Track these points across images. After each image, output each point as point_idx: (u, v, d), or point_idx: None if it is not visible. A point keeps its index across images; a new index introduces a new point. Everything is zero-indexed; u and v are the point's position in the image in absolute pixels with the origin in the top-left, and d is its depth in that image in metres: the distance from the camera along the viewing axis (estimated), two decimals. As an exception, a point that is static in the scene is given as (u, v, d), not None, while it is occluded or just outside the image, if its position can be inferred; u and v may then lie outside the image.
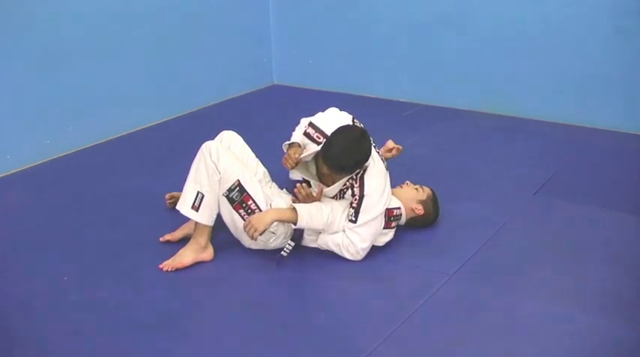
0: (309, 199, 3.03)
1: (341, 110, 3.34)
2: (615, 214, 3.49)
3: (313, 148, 3.09)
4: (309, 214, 2.95)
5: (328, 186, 3.05)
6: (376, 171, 3.02)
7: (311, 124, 3.17)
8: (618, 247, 3.20)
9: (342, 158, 2.91)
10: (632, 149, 4.36)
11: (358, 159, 2.94)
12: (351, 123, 3.15)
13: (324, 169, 3.00)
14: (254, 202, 2.98)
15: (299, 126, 3.31)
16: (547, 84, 4.80)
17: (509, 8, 4.79)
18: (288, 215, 2.95)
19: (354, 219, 2.99)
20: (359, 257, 3.04)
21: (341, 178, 3.01)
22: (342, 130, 2.97)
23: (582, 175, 3.98)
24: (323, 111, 3.36)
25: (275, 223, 3.01)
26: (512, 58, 4.86)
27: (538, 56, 4.76)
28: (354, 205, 3.00)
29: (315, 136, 3.12)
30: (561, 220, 3.46)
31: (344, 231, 3.02)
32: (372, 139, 3.15)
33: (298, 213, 2.93)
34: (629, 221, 3.43)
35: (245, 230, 2.93)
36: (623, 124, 4.60)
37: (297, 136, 3.22)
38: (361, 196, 2.98)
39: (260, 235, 2.90)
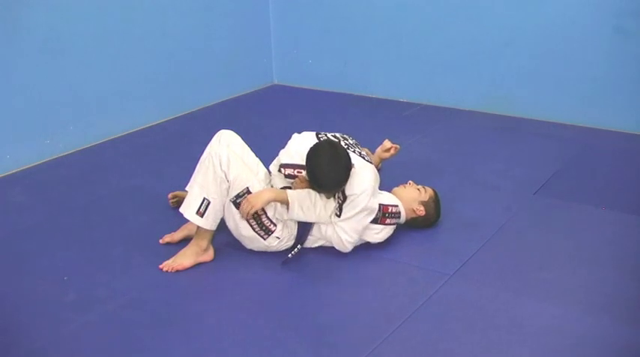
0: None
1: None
2: (615, 214, 3.49)
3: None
4: (302, 206, 2.96)
5: (327, 199, 3.05)
6: (353, 172, 3.01)
7: (284, 166, 3.13)
8: (618, 247, 3.20)
9: (334, 178, 2.93)
10: (633, 149, 4.35)
11: (345, 166, 2.95)
12: (315, 138, 3.13)
13: (326, 194, 3.02)
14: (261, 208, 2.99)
15: (272, 174, 3.19)
16: (547, 84, 4.80)
17: (510, 8, 4.79)
18: (284, 198, 2.96)
19: (338, 213, 3.03)
20: (345, 250, 3.08)
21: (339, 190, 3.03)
22: (313, 155, 2.95)
23: (582, 175, 3.98)
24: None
25: (280, 227, 3.03)
26: (512, 58, 4.86)
27: (538, 56, 4.76)
28: (339, 201, 3.03)
29: (296, 173, 3.11)
30: (561, 220, 3.45)
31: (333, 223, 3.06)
32: (347, 138, 3.16)
33: (290, 201, 2.95)
34: (629, 221, 3.42)
35: (240, 208, 2.93)
36: (623, 124, 4.60)
37: (278, 182, 3.15)
38: (345, 197, 3.01)
39: (255, 212, 2.92)
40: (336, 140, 3.14)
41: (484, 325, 2.66)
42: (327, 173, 2.91)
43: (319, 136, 3.15)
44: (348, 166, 2.95)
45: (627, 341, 2.56)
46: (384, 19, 5.30)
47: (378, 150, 3.44)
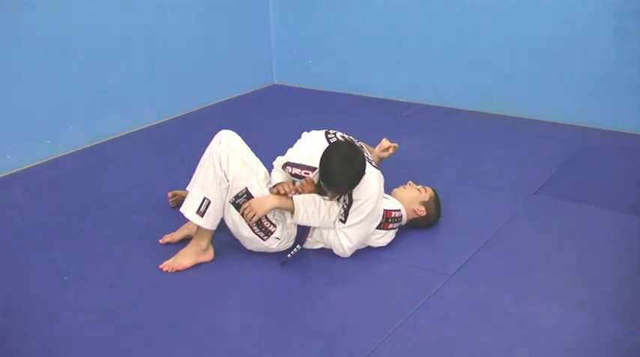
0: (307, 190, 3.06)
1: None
2: (615, 214, 3.49)
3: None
4: (306, 211, 2.97)
5: (332, 199, 3.05)
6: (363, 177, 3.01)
7: (291, 164, 3.11)
8: (618, 247, 3.20)
9: (346, 179, 2.92)
10: (633, 149, 4.36)
11: (359, 169, 2.94)
12: (324, 139, 3.11)
13: (333, 193, 3.01)
14: None
15: (274, 169, 3.18)
16: (547, 84, 4.80)
17: (510, 8, 4.79)
18: (288, 205, 2.97)
19: (343, 219, 3.03)
20: (345, 255, 3.08)
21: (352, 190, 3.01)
22: (328, 155, 2.93)
23: (582, 175, 3.98)
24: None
25: (279, 228, 3.03)
26: (512, 58, 4.86)
27: (538, 56, 4.76)
28: (344, 206, 3.03)
29: (303, 174, 3.09)
30: (561, 220, 3.45)
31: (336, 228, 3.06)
32: (354, 141, 3.16)
33: (295, 208, 2.95)
34: (629, 221, 3.42)
35: (243, 213, 2.94)
36: (623, 124, 4.60)
37: (279, 176, 3.13)
38: (350, 201, 3.01)
39: (258, 219, 2.94)
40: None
41: (484, 325, 2.66)
42: (340, 173, 2.90)
43: (328, 135, 3.14)
44: (361, 170, 2.94)
45: (627, 341, 2.56)
46: (384, 19, 5.31)
47: (376, 149, 3.43)
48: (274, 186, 3.05)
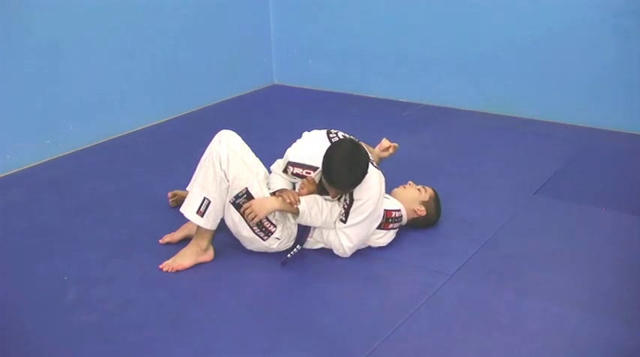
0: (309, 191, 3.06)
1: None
2: (615, 214, 3.49)
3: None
4: (310, 212, 2.97)
5: (333, 198, 3.05)
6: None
7: (293, 164, 3.10)
8: (618, 247, 3.20)
9: (349, 177, 2.91)
10: (633, 149, 4.36)
11: (362, 168, 2.94)
12: (326, 139, 3.10)
13: (335, 191, 3.00)
14: None
15: (273, 173, 3.18)
16: (547, 84, 4.80)
17: (510, 8, 4.79)
18: (289, 207, 2.96)
19: (344, 219, 3.03)
20: (345, 255, 3.08)
21: (353, 189, 3.00)
22: (332, 153, 2.92)
23: (582, 175, 3.98)
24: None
25: (280, 228, 3.02)
26: (512, 58, 4.86)
27: (538, 56, 4.76)
28: (345, 206, 3.03)
29: (304, 174, 3.08)
30: (561, 220, 3.45)
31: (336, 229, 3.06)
32: (356, 140, 3.17)
33: (300, 209, 2.95)
34: (629, 221, 3.42)
35: (244, 213, 2.94)
36: (623, 124, 4.60)
37: (279, 181, 3.12)
38: (351, 201, 3.01)
39: (259, 220, 2.95)
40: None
41: (484, 325, 2.66)
42: (343, 171, 2.90)
43: (330, 135, 3.13)
44: (364, 168, 2.94)
45: (626, 341, 2.56)
46: (384, 20, 5.31)
47: (376, 149, 3.43)
48: (275, 192, 3.05)
